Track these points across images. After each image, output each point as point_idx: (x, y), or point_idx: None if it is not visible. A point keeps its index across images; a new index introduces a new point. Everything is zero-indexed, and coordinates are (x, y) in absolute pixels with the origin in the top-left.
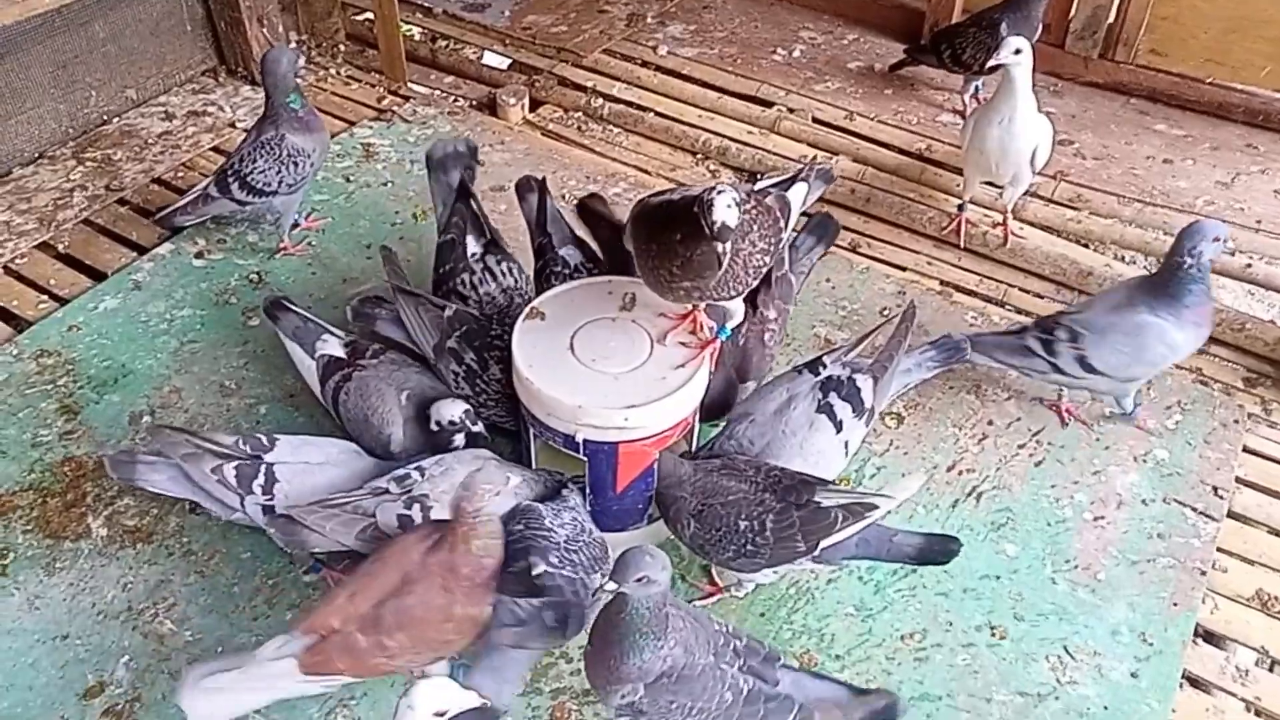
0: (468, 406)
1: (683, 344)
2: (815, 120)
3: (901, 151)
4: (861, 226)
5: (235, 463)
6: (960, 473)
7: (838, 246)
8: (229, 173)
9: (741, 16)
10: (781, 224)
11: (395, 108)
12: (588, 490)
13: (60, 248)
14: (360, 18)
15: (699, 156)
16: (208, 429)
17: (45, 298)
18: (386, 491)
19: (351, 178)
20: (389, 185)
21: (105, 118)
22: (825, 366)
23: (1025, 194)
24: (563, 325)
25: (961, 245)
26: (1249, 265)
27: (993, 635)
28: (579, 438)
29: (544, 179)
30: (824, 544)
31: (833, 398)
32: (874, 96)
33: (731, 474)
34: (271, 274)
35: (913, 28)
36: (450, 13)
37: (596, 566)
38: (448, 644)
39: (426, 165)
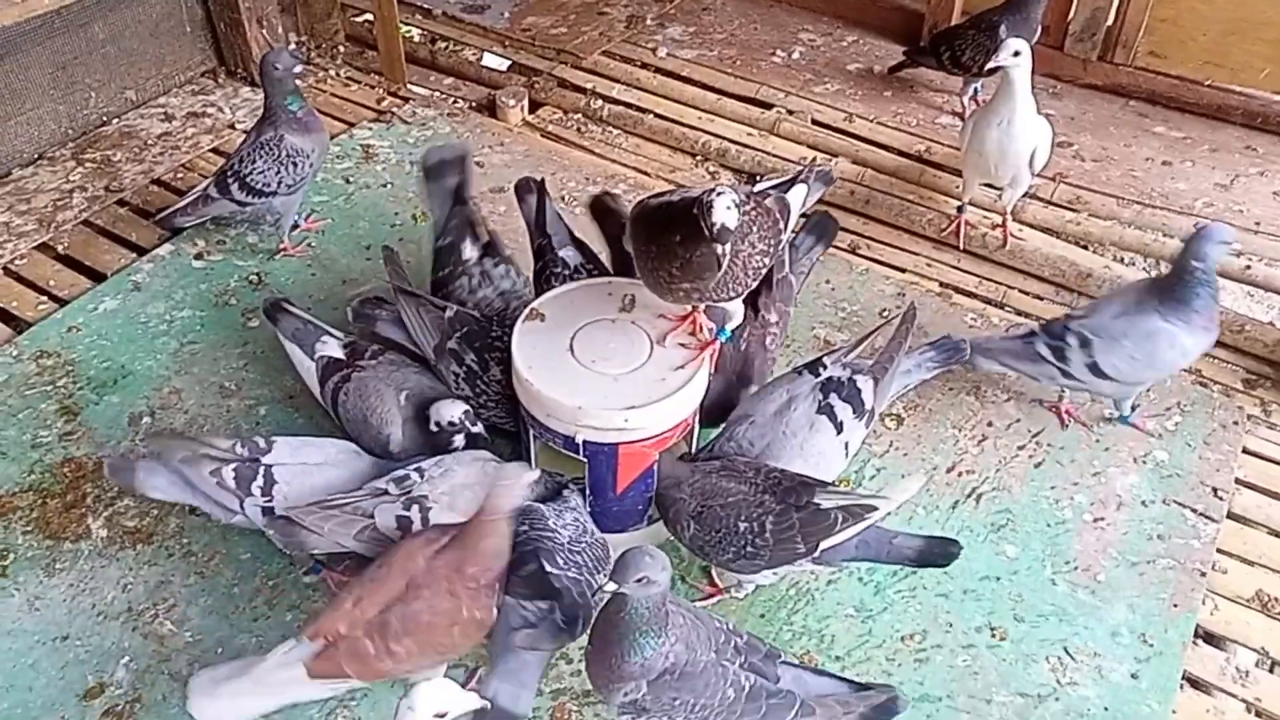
0: (467, 407)
1: (682, 345)
2: (814, 122)
3: (901, 153)
4: (861, 228)
5: (233, 465)
6: (960, 474)
7: (837, 248)
8: (229, 174)
9: (741, 18)
10: (781, 226)
11: (395, 109)
12: (588, 491)
13: (60, 249)
14: (360, 19)
15: (698, 158)
16: (207, 430)
17: (45, 299)
18: (385, 493)
19: (351, 179)
20: (388, 186)
21: (105, 119)
22: (825, 368)
23: (1024, 196)
24: (562, 326)
25: (961, 247)
26: (1248, 267)
27: (993, 636)
28: (579, 439)
29: (543, 180)
30: (824, 545)
31: (833, 399)
32: (873, 98)
33: (731, 475)
34: (271, 275)
35: (912, 30)
36: (450, 14)
37: (600, 567)
38: (454, 648)
39: (421, 170)
